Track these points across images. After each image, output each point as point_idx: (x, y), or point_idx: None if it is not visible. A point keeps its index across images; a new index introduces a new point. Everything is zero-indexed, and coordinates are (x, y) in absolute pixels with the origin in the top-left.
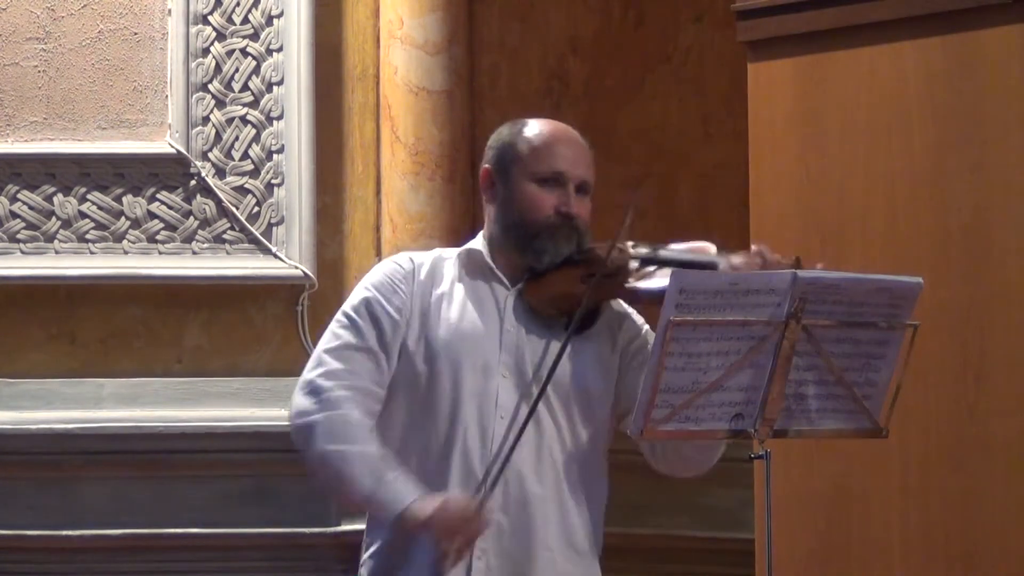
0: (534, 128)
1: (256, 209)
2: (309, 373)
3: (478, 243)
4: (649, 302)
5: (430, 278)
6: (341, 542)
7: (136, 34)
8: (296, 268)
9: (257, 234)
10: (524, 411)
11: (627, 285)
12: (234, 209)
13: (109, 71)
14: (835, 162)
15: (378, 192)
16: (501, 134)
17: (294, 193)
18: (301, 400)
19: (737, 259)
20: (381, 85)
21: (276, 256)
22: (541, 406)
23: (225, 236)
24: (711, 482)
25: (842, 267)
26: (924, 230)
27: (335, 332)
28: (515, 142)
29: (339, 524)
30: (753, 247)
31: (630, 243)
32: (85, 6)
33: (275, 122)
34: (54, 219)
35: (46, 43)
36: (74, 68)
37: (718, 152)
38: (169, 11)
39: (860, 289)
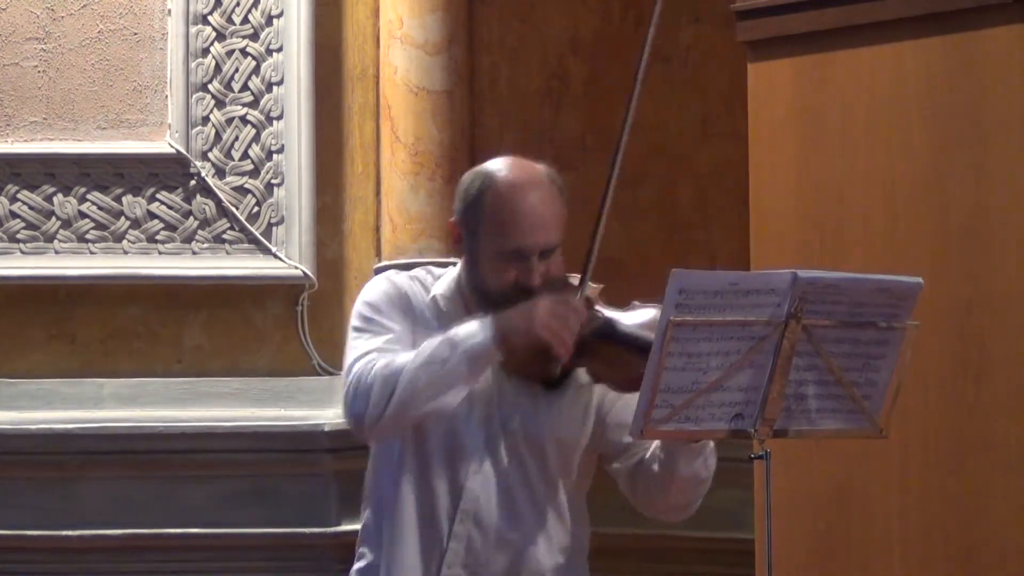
0: (497, 190)
1: (256, 209)
2: (346, 382)
3: (449, 287)
4: (614, 388)
5: (417, 307)
6: (341, 542)
7: (136, 34)
8: (296, 268)
9: (257, 234)
10: (493, 466)
11: (589, 365)
12: (234, 209)
13: (109, 71)
14: (835, 162)
15: (378, 192)
16: (468, 188)
17: (294, 193)
18: (350, 401)
19: None
20: (381, 85)
21: (276, 256)
22: (513, 462)
23: (225, 236)
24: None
25: (842, 267)
26: (924, 230)
27: (353, 345)
28: (479, 207)
29: (339, 524)
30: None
31: (598, 288)
32: (85, 6)
33: (275, 122)
34: (54, 219)
35: (46, 43)
36: (74, 68)
37: (718, 152)
38: (169, 11)
39: (860, 289)
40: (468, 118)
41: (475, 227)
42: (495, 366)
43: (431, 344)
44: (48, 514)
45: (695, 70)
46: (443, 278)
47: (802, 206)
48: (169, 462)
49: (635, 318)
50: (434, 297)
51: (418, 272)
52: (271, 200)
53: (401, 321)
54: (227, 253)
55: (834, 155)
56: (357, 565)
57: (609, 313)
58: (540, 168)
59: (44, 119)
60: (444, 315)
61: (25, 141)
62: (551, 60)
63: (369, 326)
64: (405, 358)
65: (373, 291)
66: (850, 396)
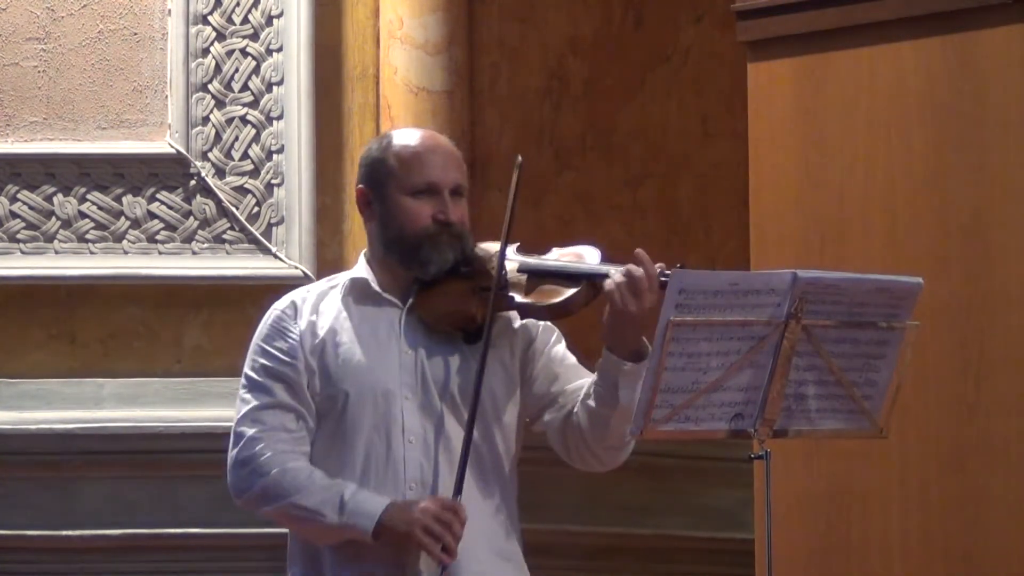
0: (401, 140)
1: (256, 209)
2: (232, 451)
3: (361, 269)
4: (543, 318)
5: (315, 314)
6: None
7: (136, 34)
8: (296, 268)
9: (257, 234)
10: (431, 430)
11: (519, 300)
12: (234, 209)
13: (109, 71)
14: (835, 162)
15: None
16: (370, 150)
17: (294, 193)
18: (234, 479)
19: (614, 268)
20: (381, 85)
21: (276, 256)
22: (450, 418)
23: (225, 236)
24: (711, 482)
25: (842, 267)
26: (924, 230)
27: (243, 398)
28: (385, 158)
29: None
30: (637, 251)
31: (514, 246)
32: (85, 6)
33: (275, 122)
34: (54, 219)
35: (46, 43)
36: (74, 68)
37: (718, 152)
38: (169, 11)
39: (860, 289)
40: (468, 118)
41: (384, 178)
42: (420, 332)
43: (324, 495)
44: (48, 514)
45: (695, 70)
46: (355, 267)
47: (802, 206)
48: (169, 462)
49: (554, 255)
50: (349, 280)
51: (319, 282)
52: (271, 200)
53: (287, 349)
54: (227, 253)
55: (834, 155)
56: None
57: (529, 257)
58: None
59: (44, 119)
60: (360, 292)
61: (25, 141)
62: (551, 60)
63: (257, 374)
64: (295, 480)
65: (260, 330)
66: (850, 396)
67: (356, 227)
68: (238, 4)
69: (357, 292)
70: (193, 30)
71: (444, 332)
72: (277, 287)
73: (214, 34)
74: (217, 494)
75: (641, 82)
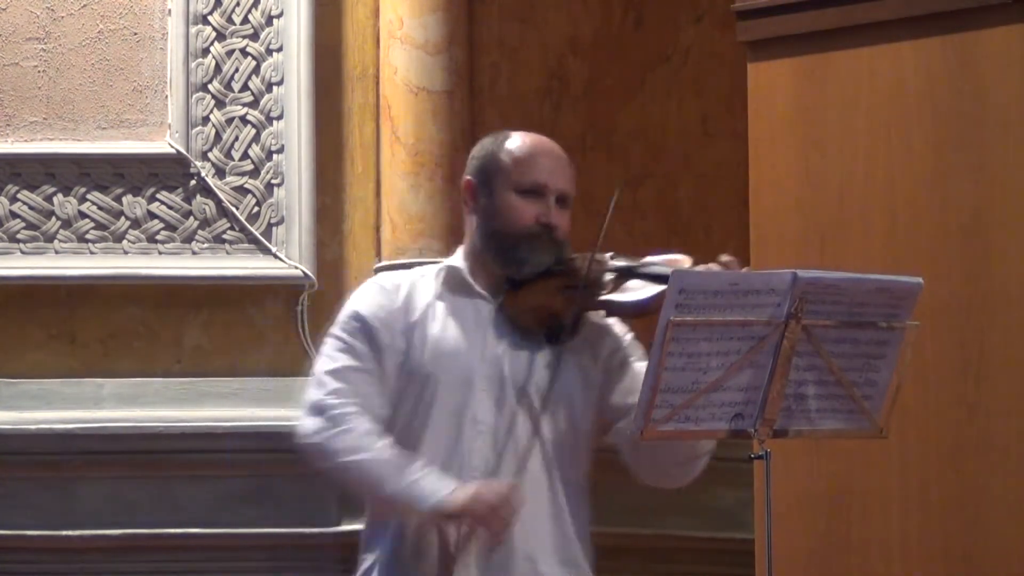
0: (516, 140)
1: (256, 209)
2: (313, 393)
3: (457, 259)
4: (626, 315)
5: (409, 299)
6: (341, 542)
7: (136, 34)
8: (296, 268)
9: (257, 234)
10: (503, 424)
11: (604, 298)
12: (234, 209)
13: (109, 71)
14: (835, 162)
15: (378, 192)
16: (484, 145)
17: (294, 193)
18: (308, 421)
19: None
20: (381, 85)
21: (276, 256)
22: (525, 419)
23: (225, 236)
24: (711, 482)
25: (842, 267)
26: (924, 230)
27: (331, 355)
28: (498, 153)
29: (339, 524)
30: (724, 257)
31: (608, 254)
32: (85, 6)
33: (275, 122)
34: (54, 219)
35: (46, 43)
36: (74, 68)
37: (718, 152)
38: (169, 11)
39: (860, 289)
40: (468, 118)
41: (493, 172)
42: (506, 329)
43: (397, 465)
44: (48, 514)
45: (695, 70)
46: (452, 256)
47: (802, 206)
48: (169, 462)
49: (651, 260)
50: (445, 268)
51: (414, 269)
52: (271, 200)
53: (380, 322)
54: (227, 253)
55: (834, 155)
56: (362, 568)
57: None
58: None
59: (44, 119)
60: (454, 282)
61: (25, 141)
62: (551, 60)
63: (346, 334)
64: (370, 447)
65: (357, 297)
66: (850, 396)
67: (356, 227)
68: (238, 4)
69: (452, 282)
70: (193, 30)
71: (528, 328)
72: (277, 287)
73: (214, 34)
74: (217, 494)
75: (641, 82)
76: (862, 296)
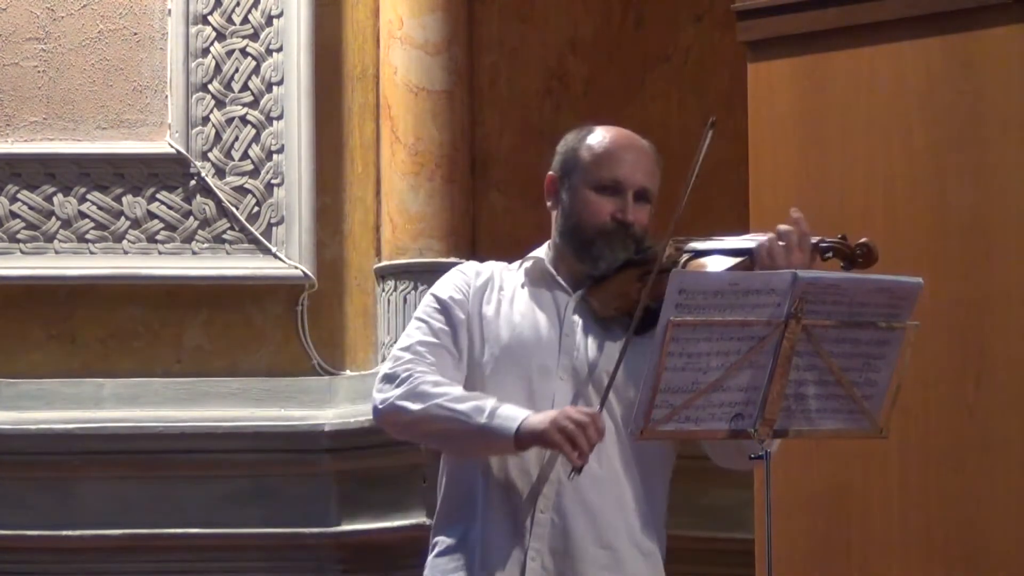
0: (597, 135)
1: (256, 209)
2: (385, 366)
3: (542, 251)
4: None
5: (488, 284)
6: (341, 542)
7: (136, 34)
8: (296, 268)
9: (257, 234)
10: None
11: None
12: (234, 209)
13: (109, 71)
14: (835, 162)
15: (378, 192)
16: (566, 140)
17: (294, 193)
18: (380, 388)
19: (768, 239)
20: (381, 85)
21: (276, 256)
22: (598, 405)
23: (225, 236)
24: (711, 482)
25: None
26: (924, 230)
27: (409, 333)
28: (578, 148)
29: (339, 524)
30: (793, 213)
31: (684, 239)
32: (85, 6)
33: (275, 122)
34: (54, 219)
35: (46, 43)
36: (74, 68)
37: (718, 151)
38: (169, 11)
39: (860, 289)
40: (468, 118)
41: (574, 167)
42: (584, 320)
43: (473, 399)
44: (48, 514)
45: (695, 70)
46: (538, 248)
47: (802, 206)
48: (169, 462)
49: (728, 238)
50: (530, 258)
51: (502, 262)
52: (271, 200)
53: (459, 303)
54: (227, 253)
55: (834, 155)
56: (436, 551)
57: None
58: (639, 137)
59: (44, 119)
60: (536, 274)
61: (25, 141)
62: (551, 60)
63: (425, 316)
64: (443, 390)
65: (439, 282)
66: (850, 396)
67: (356, 227)
68: (238, 4)
69: (535, 272)
70: (193, 30)
71: (608, 318)
72: (277, 287)
73: (214, 34)
74: (217, 494)
75: (641, 82)
76: (862, 296)
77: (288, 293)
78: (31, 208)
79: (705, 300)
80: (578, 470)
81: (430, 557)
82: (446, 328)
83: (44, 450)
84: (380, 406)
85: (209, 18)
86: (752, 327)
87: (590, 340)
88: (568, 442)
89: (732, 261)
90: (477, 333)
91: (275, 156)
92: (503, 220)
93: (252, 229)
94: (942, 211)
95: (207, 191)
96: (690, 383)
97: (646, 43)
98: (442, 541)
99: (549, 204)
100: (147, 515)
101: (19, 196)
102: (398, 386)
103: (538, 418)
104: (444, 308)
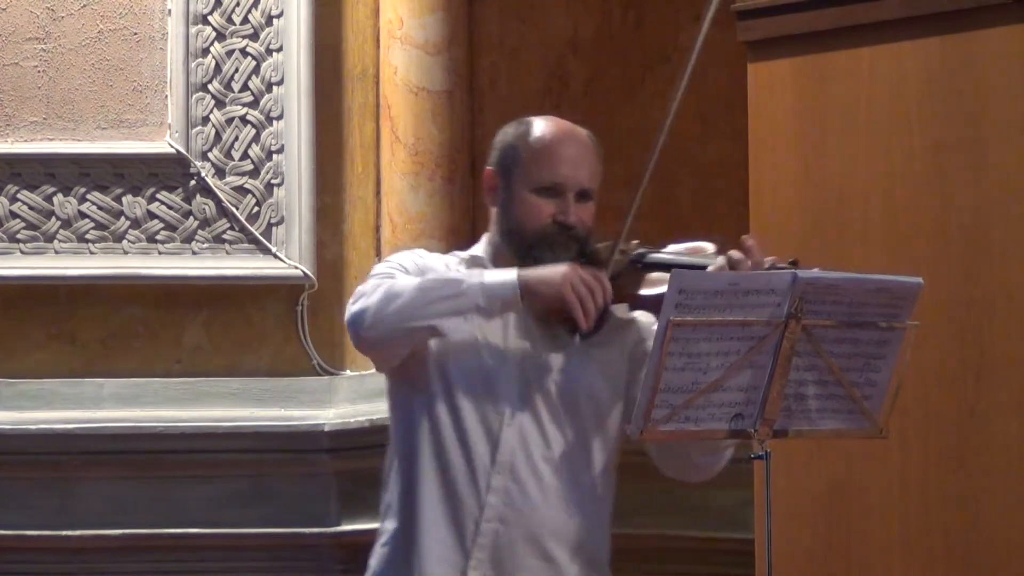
0: (536, 131)
1: (256, 209)
2: (355, 293)
3: (481, 248)
4: (651, 309)
5: (438, 269)
6: (341, 542)
7: (136, 34)
8: (296, 268)
9: (257, 234)
10: (529, 419)
11: (628, 292)
12: (234, 209)
13: (109, 71)
14: (835, 162)
15: (378, 192)
16: (506, 134)
17: (294, 193)
18: (356, 311)
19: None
20: (381, 85)
21: (276, 256)
22: (548, 415)
23: (225, 236)
24: (711, 482)
25: (842, 267)
26: (924, 230)
27: (371, 282)
28: (517, 146)
29: (339, 524)
30: (748, 241)
31: (633, 242)
32: (85, 6)
33: (275, 122)
34: (54, 219)
35: (46, 43)
36: (74, 68)
37: (718, 151)
38: (169, 11)
39: (860, 289)
40: (468, 118)
41: (513, 166)
42: (527, 320)
43: (456, 272)
44: (48, 514)
45: (695, 70)
46: (475, 246)
47: (802, 206)
48: (169, 462)
49: (674, 248)
50: (469, 257)
51: (446, 255)
52: (271, 200)
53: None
54: (227, 253)
55: (834, 155)
56: (381, 540)
57: (646, 251)
58: (579, 127)
59: (44, 119)
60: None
61: (25, 141)
62: (551, 60)
63: (385, 270)
64: (415, 278)
65: (403, 256)
66: (850, 396)
67: (356, 227)
68: (238, 4)
69: (484, 261)
70: (193, 30)
71: (552, 325)
72: (277, 287)
73: (214, 34)
74: (217, 494)
75: (641, 82)
76: (862, 296)
77: (288, 293)
78: (31, 208)
79: (705, 300)
80: (583, 335)
81: (377, 545)
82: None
83: (44, 450)
84: (360, 324)
85: (209, 18)
86: (752, 327)
87: (536, 346)
88: (580, 304)
89: None
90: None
91: (275, 156)
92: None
93: (252, 229)
94: (942, 211)
95: (207, 191)
96: (690, 383)
97: (646, 43)
98: (387, 534)
99: (488, 200)
100: (147, 515)
101: (19, 196)
102: (373, 291)
103: (546, 272)
104: (404, 267)
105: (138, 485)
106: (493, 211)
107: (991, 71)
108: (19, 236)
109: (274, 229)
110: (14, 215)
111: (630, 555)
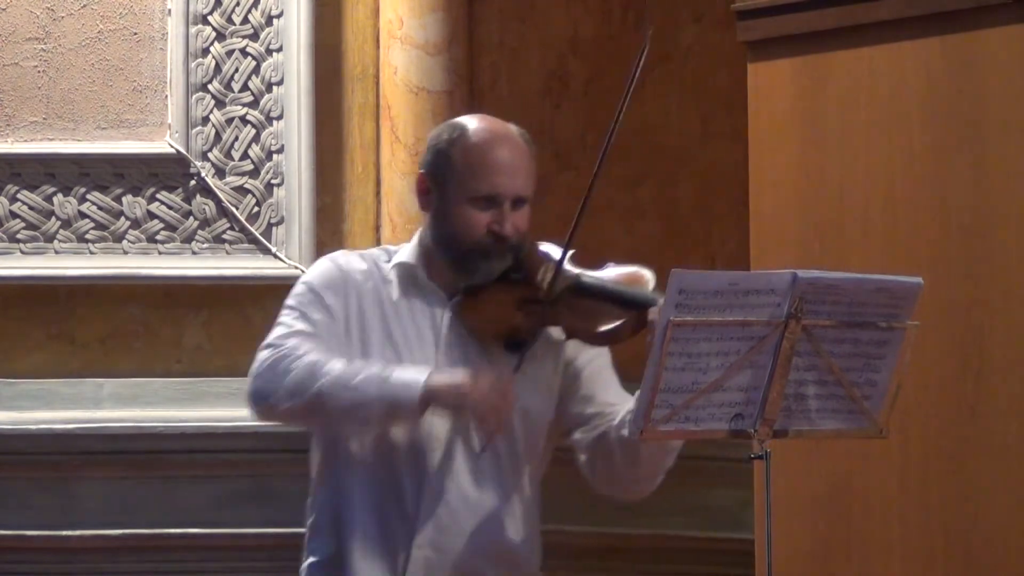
0: (470, 138)
1: (256, 209)
2: (259, 363)
3: (412, 253)
4: (590, 343)
5: (363, 281)
6: None
7: (136, 34)
8: (296, 268)
9: (257, 234)
10: (458, 439)
11: (567, 323)
12: (234, 209)
13: (109, 71)
14: (835, 162)
15: (378, 192)
16: (439, 139)
17: (294, 193)
18: (259, 384)
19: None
20: (381, 85)
21: (276, 256)
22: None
23: (225, 236)
24: (711, 482)
25: (842, 267)
26: (924, 230)
27: (284, 323)
28: (450, 154)
29: None
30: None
31: (569, 253)
32: (85, 6)
33: (275, 122)
34: (54, 219)
35: (46, 43)
36: (74, 68)
37: (718, 152)
38: (169, 11)
39: (860, 289)
40: None
41: (447, 174)
42: (462, 335)
43: (364, 371)
44: (48, 514)
45: (695, 70)
46: (404, 248)
47: (802, 206)
48: (169, 462)
49: (610, 274)
50: (398, 264)
51: (372, 251)
52: (271, 200)
53: (336, 305)
54: (227, 253)
55: (834, 155)
56: (308, 561)
57: (581, 271)
58: (511, 125)
59: (44, 119)
60: (408, 281)
61: (25, 141)
62: (551, 60)
63: (301, 307)
64: (333, 367)
65: (314, 272)
66: (850, 396)
67: (356, 227)
68: (238, 4)
69: (407, 279)
70: (193, 30)
71: (486, 340)
72: (277, 287)
73: (214, 34)
74: (217, 494)
75: (641, 82)
76: (862, 296)
77: (288, 293)
78: (31, 208)
79: (705, 300)
80: (483, 447)
81: (304, 565)
82: (322, 315)
83: (44, 450)
84: (262, 403)
85: (209, 18)
86: (752, 327)
87: (467, 360)
88: (483, 419)
89: (621, 319)
90: (353, 336)
91: (275, 156)
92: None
93: (252, 229)
94: (942, 211)
95: (207, 191)
96: (690, 383)
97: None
98: (316, 560)
99: (420, 203)
100: (147, 515)
101: (19, 196)
102: (281, 373)
103: (448, 385)
104: (318, 295)
105: (138, 485)
106: (425, 215)
107: (991, 71)
108: (19, 236)
109: (274, 229)
110: (14, 215)
111: (630, 555)
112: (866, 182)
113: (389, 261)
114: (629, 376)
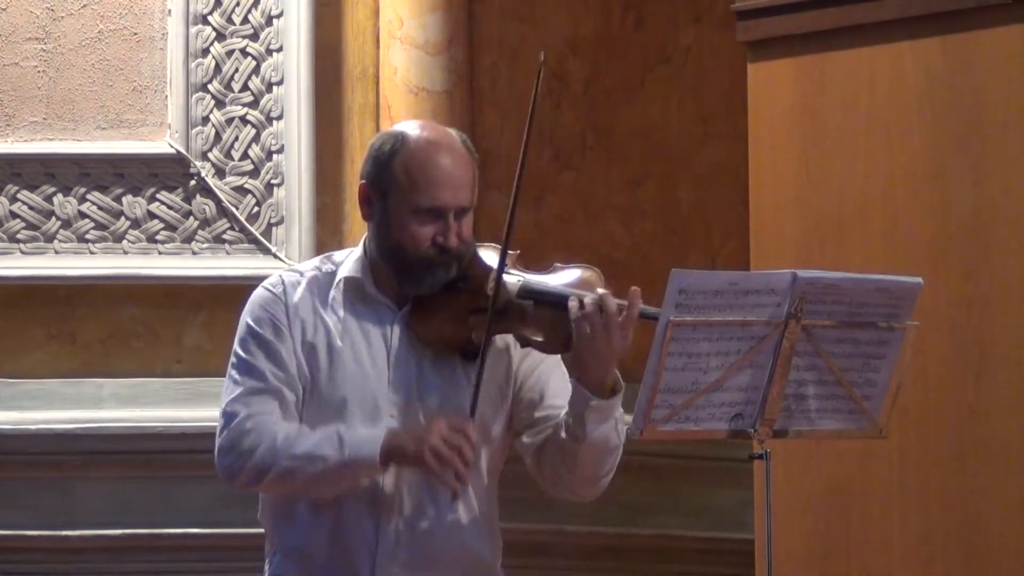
0: (411, 149)
1: (256, 209)
2: (220, 436)
3: (356, 266)
4: (544, 351)
5: (306, 302)
6: None
7: (136, 34)
8: None
9: (257, 234)
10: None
11: (520, 333)
12: (234, 209)
13: (109, 71)
14: (835, 162)
15: None
16: (381, 150)
17: (294, 193)
18: (224, 463)
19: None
20: (381, 85)
21: (276, 256)
22: None
23: (225, 236)
24: (711, 482)
25: (842, 267)
26: (924, 230)
27: (233, 379)
28: (392, 166)
29: None
30: (633, 295)
31: (515, 253)
32: (85, 6)
33: (275, 122)
34: (54, 219)
35: (46, 43)
36: (74, 68)
37: (718, 152)
38: (169, 11)
39: (860, 289)
40: (468, 118)
41: (389, 187)
42: (414, 345)
43: (319, 437)
44: (48, 514)
45: (695, 70)
46: (348, 259)
47: (802, 206)
48: (169, 462)
49: (560, 279)
50: (344, 279)
51: (313, 261)
52: (271, 200)
53: (276, 341)
54: (227, 253)
55: (834, 155)
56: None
57: (530, 275)
58: (452, 131)
59: (44, 119)
60: (355, 296)
61: (25, 141)
62: (551, 60)
63: (248, 355)
64: (287, 437)
65: (251, 307)
66: (850, 396)
67: (356, 227)
68: (238, 4)
69: (353, 292)
70: (193, 30)
71: (438, 351)
72: None
73: (214, 34)
74: (217, 494)
75: (641, 82)
76: (862, 296)
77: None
78: (31, 208)
79: (705, 300)
80: (455, 493)
81: None
82: (267, 363)
83: (44, 450)
84: (232, 481)
85: (209, 18)
86: (752, 327)
87: (420, 370)
88: (446, 468)
89: (561, 321)
90: (307, 373)
91: (275, 156)
92: (503, 220)
93: (252, 229)
94: (942, 211)
95: (207, 191)
96: (690, 383)
97: (646, 43)
98: (275, 566)
99: (362, 213)
100: (147, 515)
101: (19, 196)
102: (241, 456)
103: (407, 439)
104: (260, 337)
105: (138, 485)
106: (368, 225)
107: (991, 71)
108: (19, 236)
109: (274, 229)
110: (14, 215)
111: (631, 555)
112: (866, 182)
113: (334, 271)
114: (629, 376)
